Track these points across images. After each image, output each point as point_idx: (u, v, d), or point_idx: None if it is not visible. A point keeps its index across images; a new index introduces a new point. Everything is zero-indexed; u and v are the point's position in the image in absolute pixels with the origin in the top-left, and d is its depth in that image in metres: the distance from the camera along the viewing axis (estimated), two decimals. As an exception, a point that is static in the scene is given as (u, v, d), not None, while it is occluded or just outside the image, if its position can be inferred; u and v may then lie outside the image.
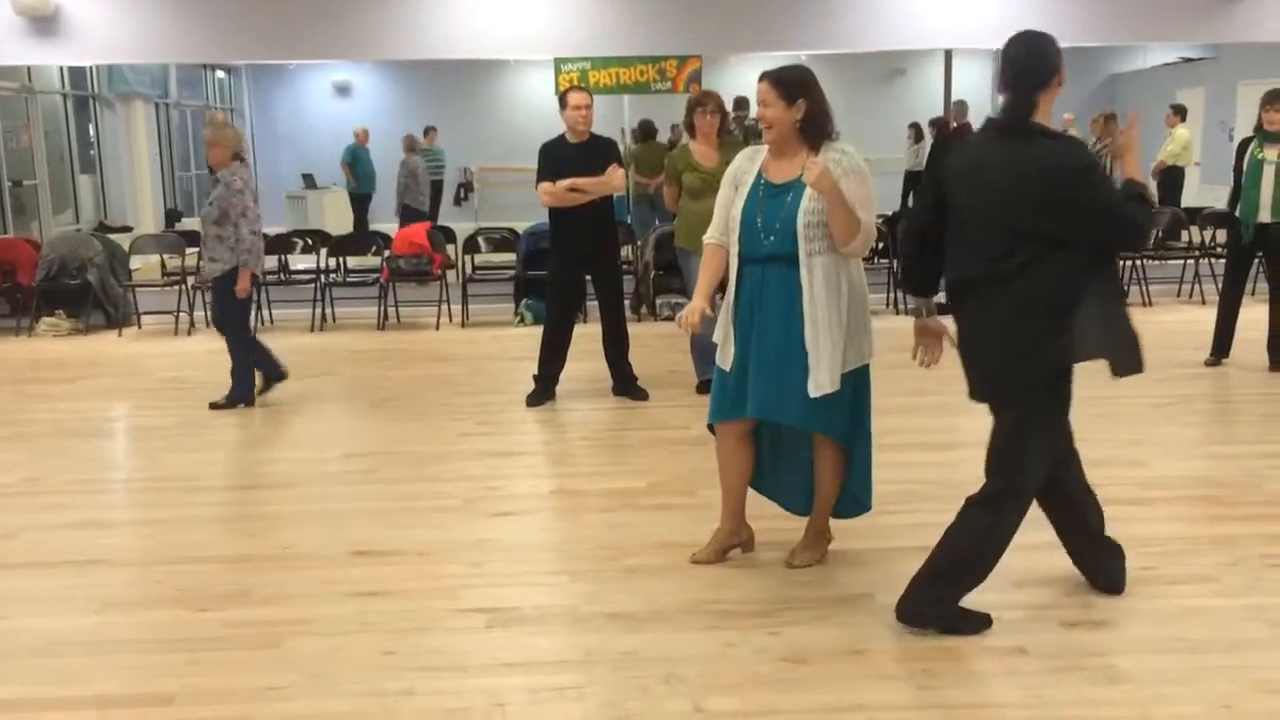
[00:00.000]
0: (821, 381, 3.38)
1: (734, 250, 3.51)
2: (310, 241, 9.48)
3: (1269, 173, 6.30)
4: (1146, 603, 3.37)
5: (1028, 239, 3.00)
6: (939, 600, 3.18)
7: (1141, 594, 3.43)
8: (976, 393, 3.33)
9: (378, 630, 3.29)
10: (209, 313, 6.06)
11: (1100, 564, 3.45)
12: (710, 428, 3.67)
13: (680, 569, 3.70)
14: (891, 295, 9.17)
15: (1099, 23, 9.21)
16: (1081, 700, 2.82)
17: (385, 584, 3.63)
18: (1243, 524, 4.01)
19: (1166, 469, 4.72)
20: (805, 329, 3.38)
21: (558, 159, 5.83)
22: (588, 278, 6.18)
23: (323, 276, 9.02)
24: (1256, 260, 6.65)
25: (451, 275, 9.12)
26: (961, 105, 12.05)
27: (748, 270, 3.47)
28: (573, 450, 5.43)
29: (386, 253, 9.08)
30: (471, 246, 9.20)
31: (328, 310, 8.97)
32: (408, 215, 12.05)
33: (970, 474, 4.60)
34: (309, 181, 15.26)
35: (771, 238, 3.40)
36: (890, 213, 10.13)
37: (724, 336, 3.55)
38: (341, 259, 9.34)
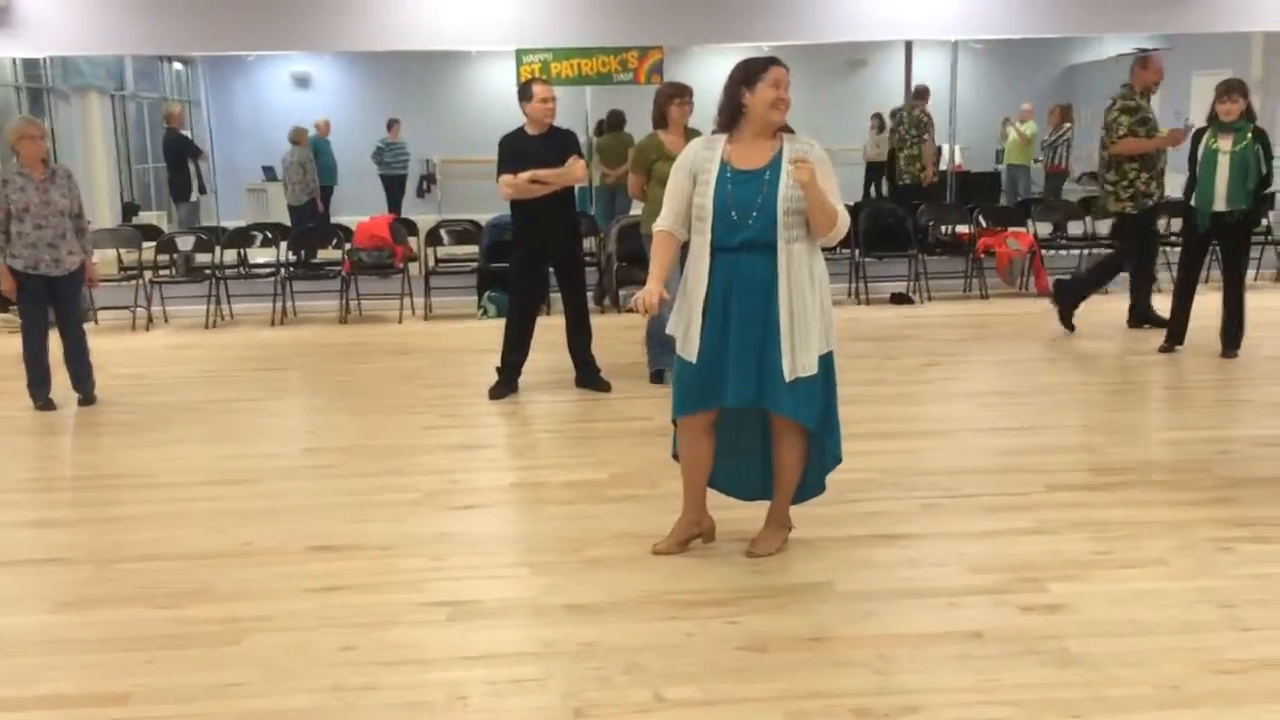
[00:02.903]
0: (799, 364, 3.41)
1: (701, 240, 3.47)
2: (270, 235, 9.40)
3: (1223, 162, 6.40)
4: (1100, 586, 3.43)
5: None
6: None
7: (1095, 578, 3.49)
8: None
9: (339, 625, 3.28)
10: (65, 308, 5.97)
11: None
12: (675, 421, 3.67)
13: (641, 560, 3.72)
14: (853, 285, 9.23)
15: (1056, 14, 9.31)
16: (1035, 683, 2.86)
17: (346, 579, 3.63)
18: (1193, 508, 4.08)
19: (1120, 454, 4.79)
20: (781, 314, 3.40)
21: (518, 151, 5.82)
22: (550, 269, 6.18)
23: (283, 270, 8.95)
24: (1212, 248, 6.77)
25: (414, 268, 9.08)
26: (924, 90, 12.10)
27: (720, 259, 3.44)
28: (535, 442, 5.43)
29: (348, 245, 9.02)
30: (434, 239, 9.16)
31: (288, 304, 8.90)
32: (302, 215, 11.76)
33: (928, 462, 4.69)
34: (269, 174, 15.10)
35: (749, 225, 3.40)
36: (852, 203, 10.18)
37: (687, 327, 3.52)
38: (302, 252, 9.27)
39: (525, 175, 5.74)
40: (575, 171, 5.82)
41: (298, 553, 3.88)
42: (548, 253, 6.02)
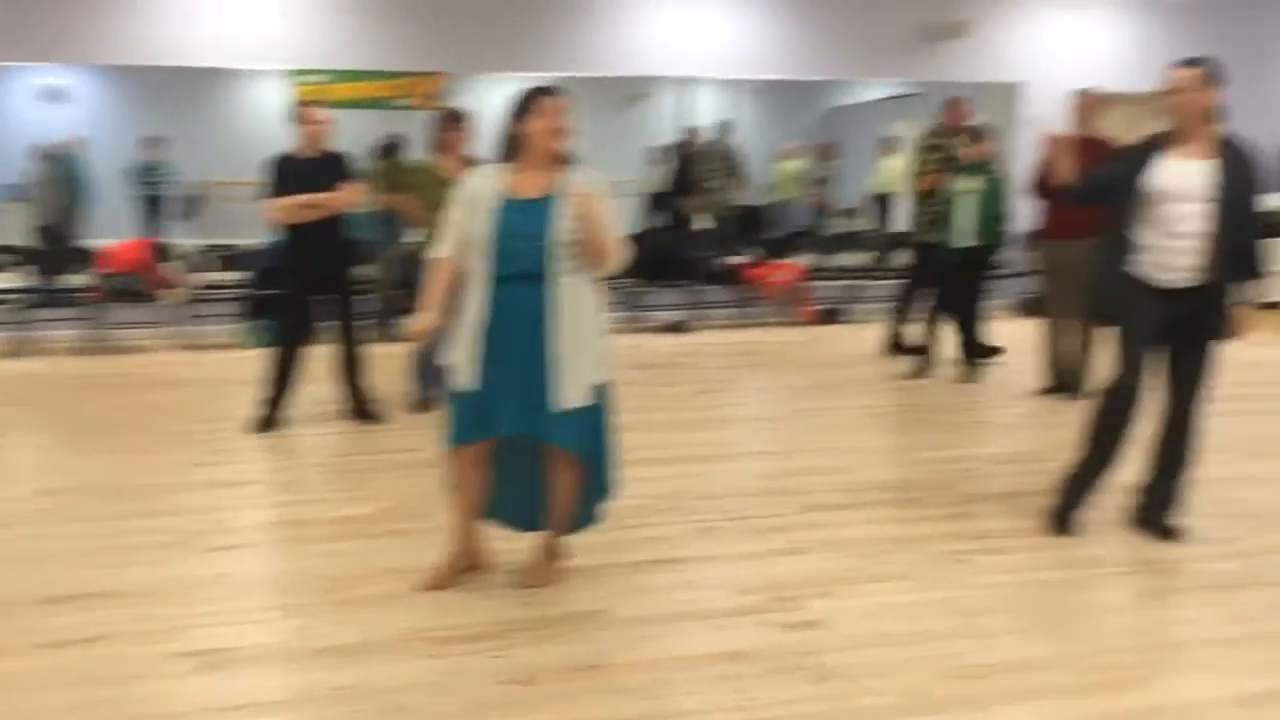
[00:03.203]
0: (570, 396, 3.43)
1: (476, 268, 3.46)
2: (18, 258, 8.68)
3: (968, 201, 6.91)
4: (852, 601, 3.59)
5: None
6: None
7: (847, 593, 3.66)
8: (1212, 334, 4.03)
9: (80, 681, 3.03)
10: None
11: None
12: (450, 449, 3.58)
13: (404, 597, 3.62)
14: (630, 313, 9.39)
15: (820, 59, 9.86)
16: (792, 698, 2.97)
17: (90, 630, 3.35)
18: (936, 523, 4.35)
19: (871, 474, 5.06)
20: (554, 343, 3.41)
21: (287, 174, 5.62)
22: (321, 297, 5.97)
23: (24, 296, 8.27)
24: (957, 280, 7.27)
25: (176, 295, 8.58)
26: (696, 130, 12.53)
27: (494, 288, 3.43)
28: (300, 477, 5.22)
29: (100, 270, 8.45)
30: (198, 264, 8.70)
31: (32, 333, 8.23)
32: (52, 236, 11.05)
33: (702, 486, 4.81)
34: (12, 192, 13.97)
35: (521, 254, 3.40)
36: (630, 232, 10.38)
37: (465, 357, 3.48)
38: (50, 277, 8.60)
39: (298, 199, 5.55)
40: (350, 196, 5.67)
41: (32, 604, 3.56)
42: (319, 280, 5.82)
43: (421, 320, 3.52)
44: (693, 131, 12.49)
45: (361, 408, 5.98)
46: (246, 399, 6.19)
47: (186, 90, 13.94)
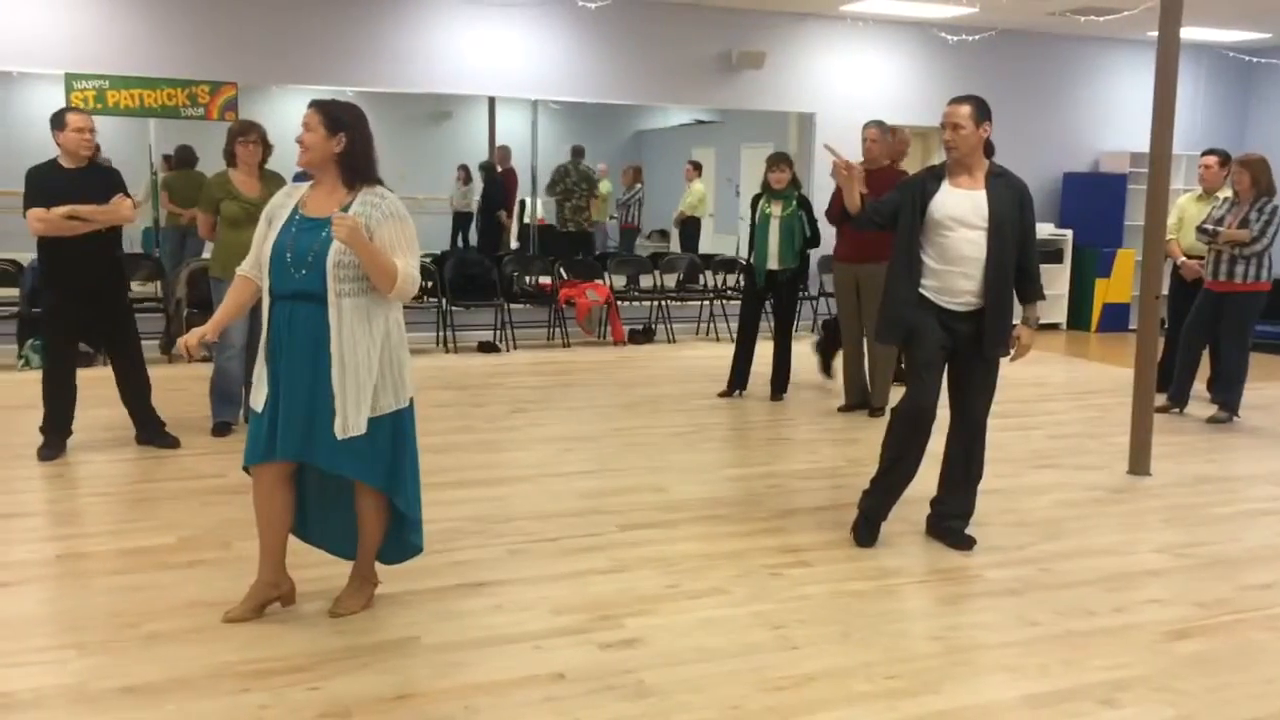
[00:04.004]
0: (348, 424, 3.32)
1: (264, 286, 3.40)
2: None
3: (774, 226, 7.15)
4: (670, 618, 3.65)
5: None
6: None
7: (665, 610, 3.71)
8: (994, 353, 4.27)
9: None
10: None
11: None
12: (246, 470, 3.47)
13: (211, 630, 3.44)
14: (441, 334, 9.26)
15: (626, 84, 10.03)
16: (614, 718, 2.98)
17: None
18: (748, 539, 4.48)
19: (685, 492, 5.16)
20: (333, 370, 3.31)
21: (49, 186, 5.24)
22: (92, 316, 5.57)
23: None
24: (767, 302, 7.51)
25: (-65, 312, 7.89)
26: (505, 150, 12.51)
27: (277, 307, 3.35)
28: (86, 508, 4.87)
29: None
30: (-39, 279, 8.03)
31: None
32: None
33: (513, 508, 4.78)
34: None
35: (301, 274, 3.30)
36: (440, 251, 10.25)
37: (259, 376, 3.40)
38: None
39: (63, 210, 5.19)
40: (123, 210, 5.34)
41: None
42: (89, 298, 5.44)
43: (195, 332, 3.49)
44: (504, 150, 12.46)
45: (153, 431, 5.64)
46: (21, 425, 5.74)
47: (-53, 91, 12.86)
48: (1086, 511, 5.00)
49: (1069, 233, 11.50)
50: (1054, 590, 4.00)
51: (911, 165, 7.62)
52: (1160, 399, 6.53)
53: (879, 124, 6.87)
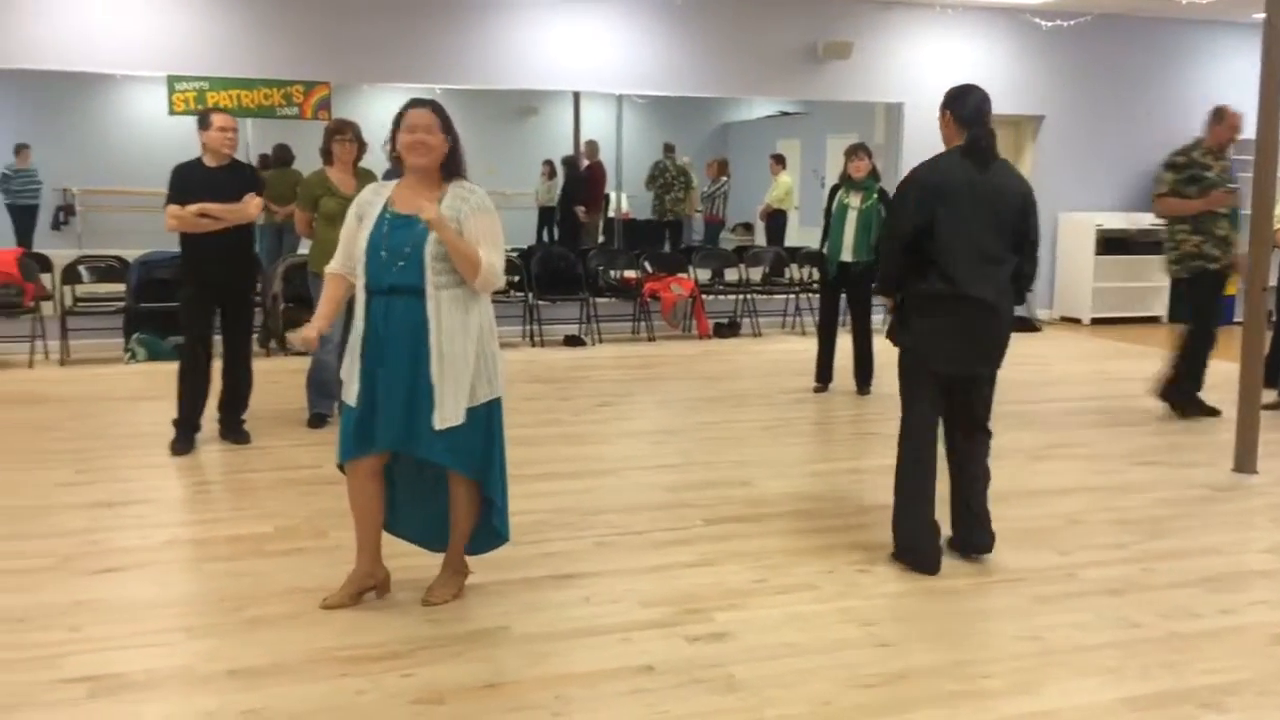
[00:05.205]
0: (447, 415, 3.39)
1: (359, 281, 3.46)
2: None
3: (852, 217, 7.08)
4: (758, 613, 3.64)
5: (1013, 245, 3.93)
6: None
7: (754, 605, 3.70)
8: (981, 366, 4.03)
9: (-53, 715, 2.88)
10: None
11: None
12: (340, 466, 3.56)
13: (309, 616, 3.54)
14: (527, 327, 9.36)
15: (711, 76, 9.99)
16: (701, 711, 2.98)
17: (-45, 661, 3.19)
18: (835, 534, 4.44)
19: (771, 487, 5.13)
20: (432, 361, 3.38)
21: (190, 182, 5.44)
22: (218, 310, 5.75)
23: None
24: (843, 295, 7.45)
25: (48, 308, 8.22)
26: (593, 145, 12.59)
27: (374, 302, 3.42)
28: (191, 496, 5.04)
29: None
30: (72, 276, 8.35)
31: (-111, 347, 7.78)
32: None
33: (600, 501, 4.81)
34: None
35: (398, 268, 3.37)
36: (525, 246, 10.35)
37: (350, 371, 3.47)
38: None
39: (194, 208, 5.38)
40: (249, 209, 5.51)
41: (-105, 635, 3.36)
42: (217, 292, 5.63)
43: (306, 330, 3.55)
44: (591, 145, 12.56)
45: (233, 427, 5.79)
46: (127, 416, 5.97)
47: (56, 95, 13.38)
48: (1190, 510, 4.85)
49: (1169, 223, 11.13)
50: (1156, 591, 3.89)
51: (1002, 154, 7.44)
52: (1269, 395, 6.30)
53: None
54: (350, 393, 3.46)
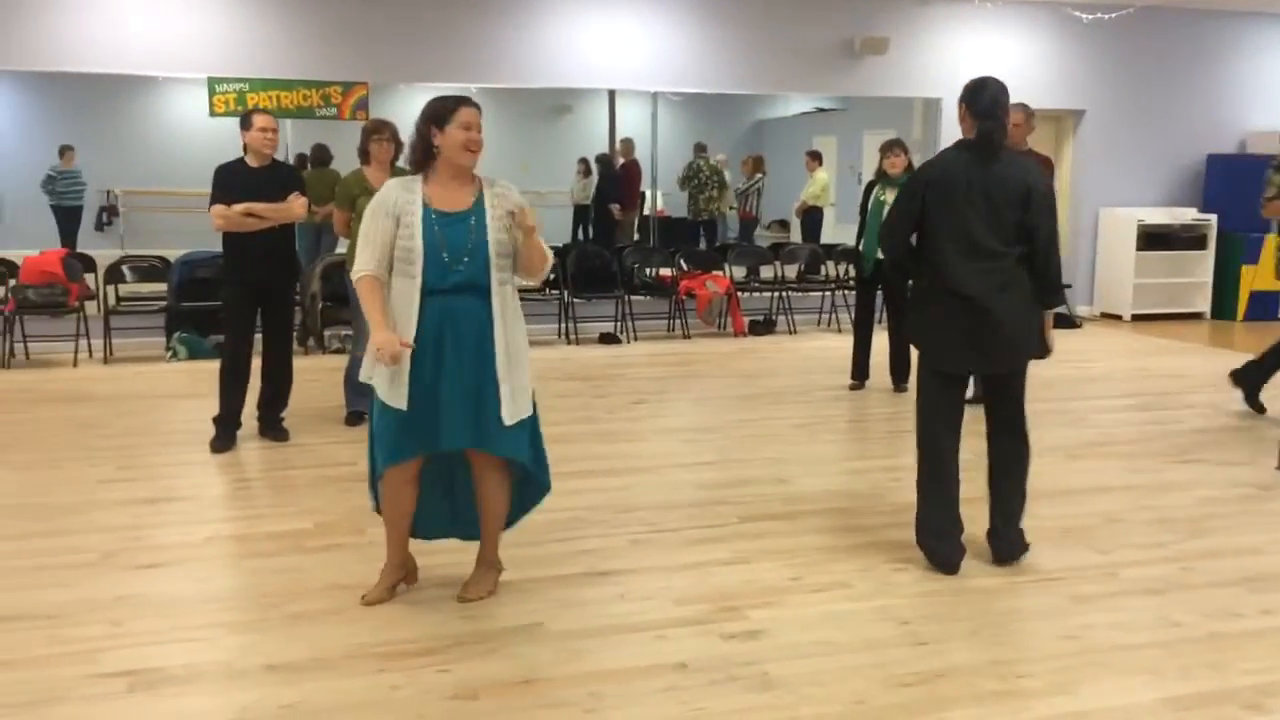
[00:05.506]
0: (520, 407, 3.45)
1: (410, 283, 3.36)
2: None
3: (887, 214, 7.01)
4: (794, 611, 3.63)
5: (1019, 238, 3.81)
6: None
7: (789, 603, 3.69)
8: (982, 366, 3.95)
9: (-4, 707, 2.93)
10: None
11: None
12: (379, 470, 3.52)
13: (348, 611, 3.57)
14: (563, 325, 9.38)
15: (747, 73, 9.95)
16: (736, 709, 2.98)
17: (5, 653, 3.24)
18: (871, 532, 4.41)
19: (807, 484, 5.11)
20: (498, 356, 3.40)
21: (234, 182, 5.51)
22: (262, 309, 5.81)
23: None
24: (879, 291, 7.40)
25: (91, 307, 8.35)
26: (628, 142, 12.59)
27: (430, 303, 3.36)
28: (231, 493, 5.11)
29: (12, 282, 8.18)
30: (115, 275, 8.48)
31: (-61, 346, 7.94)
32: None
33: (635, 498, 4.82)
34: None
35: (461, 267, 3.37)
36: (561, 245, 10.38)
37: (394, 373, 3.37)
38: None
39: (239, 208, 5.44)
40: (294, 208, 5.57)
41: (-57, 629, 3.43)
42: (260, 291, 5.69)
43: (389, 339, 3.30)
44: (627, 143, 12.56)
45: (272, 425, 5.85)
46: (169, 413, 6.04)
47: (99, 97, 13.59)
48: (1232, 509, 4.77)
49: (1213, 217, 10.97)
50: (1197, 590, 3.83)
51: (1042, 150, 7.36)
52: None
53: (1023, 107, 6.54)
54: (398, 395, 3.37)
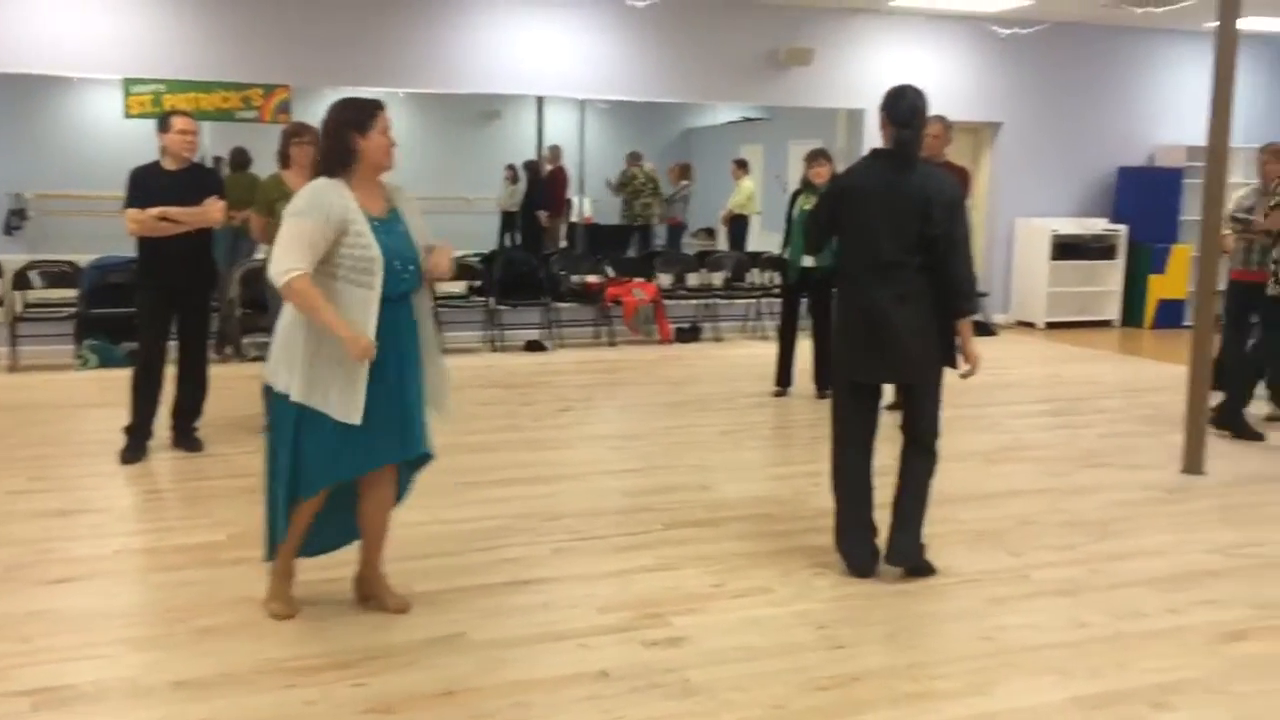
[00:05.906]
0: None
1: (368, 292, 3.23)
2: None
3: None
4: (715, 617, 3.65)
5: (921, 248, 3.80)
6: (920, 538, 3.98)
7: (711, 609, 3.71)
8: (887, 377, 3.97)
9: (-112, 730, 2.82)
10: None
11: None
12: (301, 497, 3.44)
13: (258, 625, 3.50)
14: (488, 333, 9.32)
15: (674, 82, 10.01)
16: (658, 716, 2.98)
17: (-100, 674, 3.13)
18: (793, 538, 4.46)
19: (731, 491, 5.15)
20: (429, 357, 3.49)
21: (150, 186, 5.36)
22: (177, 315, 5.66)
23: None
24: (804, 299, 7.47)
25: (-2, 313, 8.09)
26: (556, 149, 12.58)
27: (384, 310, 3.28)
28: (144, 505, 4.97)
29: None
30: (23, 281, 8.22)
31: None
32: None
33: (560, 506, 4.80)
34: None
35: (408, 275, 3.37)
36: (487, 251, 10.31)
37: (347, 387, 3.23)
38: None
39: (154, 211, 5.30)
40: (211, 213, 5.44)
41: None
42: (176, 297, 5.54)
43: (360, 343, 3.20)
44: (554, 150, 12.55)
45: (185, 435, 5.71)
46: (79, 423, 5.87)
47: (8, 98, 13.16)
48: (1139, 511, 4.91)
49: (1123, 228, 11.31)
50: (1105, 591, 3.94)
51: (960, 161, 7.53)
52: (1217, 397, 6.38)
53: (941, 118, 6.64)
54: (355, 410, 3.23)
